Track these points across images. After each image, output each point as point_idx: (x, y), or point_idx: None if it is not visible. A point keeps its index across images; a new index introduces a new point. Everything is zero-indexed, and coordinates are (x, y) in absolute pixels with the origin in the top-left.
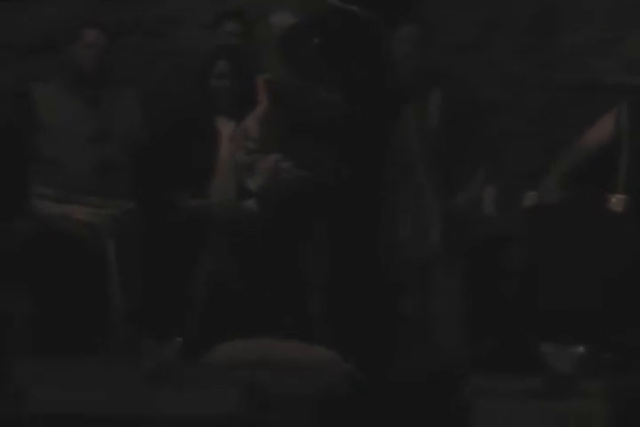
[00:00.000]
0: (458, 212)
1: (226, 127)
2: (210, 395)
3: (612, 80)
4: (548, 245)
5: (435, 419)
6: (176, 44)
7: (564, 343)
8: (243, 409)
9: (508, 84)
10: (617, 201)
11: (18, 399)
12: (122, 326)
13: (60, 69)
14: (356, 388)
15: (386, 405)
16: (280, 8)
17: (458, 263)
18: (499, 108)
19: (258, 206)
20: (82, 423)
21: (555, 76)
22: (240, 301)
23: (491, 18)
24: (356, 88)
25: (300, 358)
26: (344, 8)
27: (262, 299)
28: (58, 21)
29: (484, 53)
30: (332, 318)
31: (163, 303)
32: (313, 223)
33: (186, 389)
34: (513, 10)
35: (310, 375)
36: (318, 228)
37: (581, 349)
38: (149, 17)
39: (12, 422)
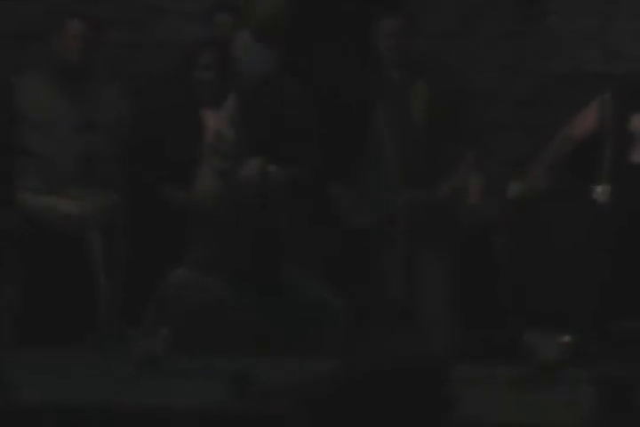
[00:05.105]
0: (444, 200)
1: (210, 119)
2: (198, 384)
3: (597, 68)
4: (534, 234)
5: (421, 407)
6: (160, 35)
7: (550, 331)
8: (231, 399)
9: (493, 72)
10: (602, 191)
11: (5, 390)
12: (109, 316)
13: (44, 60)
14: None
15: (373, 393)
16: None
17: (444, 251)
18: (484, 95)
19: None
20: (69, 413)
21: (540, 63)
22: None
23: (476, 5)
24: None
25: None
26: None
27: None
28: (43, 11)
29: (469, 41)
30: None
31: (149, 293)
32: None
33: (174, 378)
34: None
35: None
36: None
37: (567, 337)
38: (133, 8)
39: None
